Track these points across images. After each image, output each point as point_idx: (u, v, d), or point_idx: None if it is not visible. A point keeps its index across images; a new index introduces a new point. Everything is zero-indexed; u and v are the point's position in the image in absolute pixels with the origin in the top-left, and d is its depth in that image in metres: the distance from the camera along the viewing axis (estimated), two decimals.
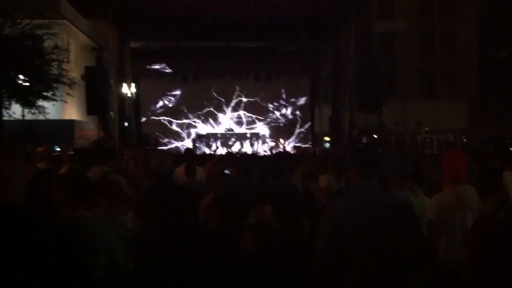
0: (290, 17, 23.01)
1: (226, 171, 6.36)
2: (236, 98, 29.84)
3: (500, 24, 31.75)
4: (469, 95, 32.99)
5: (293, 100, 29.99)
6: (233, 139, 27.04)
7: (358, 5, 23.73)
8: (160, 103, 29.55)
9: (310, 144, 28.84)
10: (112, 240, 3.43)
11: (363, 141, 21.89)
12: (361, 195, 3.05)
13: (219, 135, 27.68)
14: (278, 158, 8.74)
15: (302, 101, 30.11)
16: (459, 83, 35.03)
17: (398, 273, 2.93)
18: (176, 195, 5.32)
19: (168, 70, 27.86)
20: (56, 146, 15.28)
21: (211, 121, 29.81)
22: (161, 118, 29.49)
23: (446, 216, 4.39)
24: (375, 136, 21.85)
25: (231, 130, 26.17)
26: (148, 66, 28.18)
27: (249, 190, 4.76)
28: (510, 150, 8.29)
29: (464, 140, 25.94)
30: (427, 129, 23.01)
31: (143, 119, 29.12)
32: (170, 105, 29.58)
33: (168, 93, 29.50)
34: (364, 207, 2.97)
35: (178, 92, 29.51)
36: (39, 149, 8.07)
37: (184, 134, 29.52)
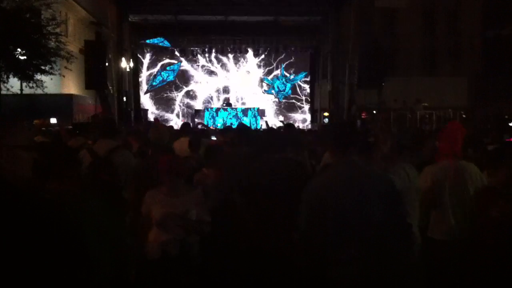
0: None
1: (213, 138, 6.16)
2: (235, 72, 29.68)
3: (503, 1, 31.39)
4: (472, 72, 32.82)
5: (292, 75, 29.83)
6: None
7: None
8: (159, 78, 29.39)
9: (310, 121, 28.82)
10: (102, 217, 3.09)
11: (362, 117, 21.86)
12: (337, 172, 3.11)
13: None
14: (277, 133, 8.59)
15: (301, 76, 29.95)
16: (462, 60, 34.83)
17: (380, 247, 2.95)
18: None
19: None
20: (53, 118, 15.22)
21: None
22: (160, 93, 29.40)
23: (437, 187, 4.35)
24: (374, 112, 21.81)
25: (230, 104, 26.04)
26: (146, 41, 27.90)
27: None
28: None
29: (464, 116, 25.92)
30: (425, 104, 22.95)
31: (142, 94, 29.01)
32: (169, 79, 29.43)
33: (167, 68, 29.31)
34: (341, 183, 3.02)
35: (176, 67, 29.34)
36: (36, 121, 8.06)
37: (181, 109, 29.43)
